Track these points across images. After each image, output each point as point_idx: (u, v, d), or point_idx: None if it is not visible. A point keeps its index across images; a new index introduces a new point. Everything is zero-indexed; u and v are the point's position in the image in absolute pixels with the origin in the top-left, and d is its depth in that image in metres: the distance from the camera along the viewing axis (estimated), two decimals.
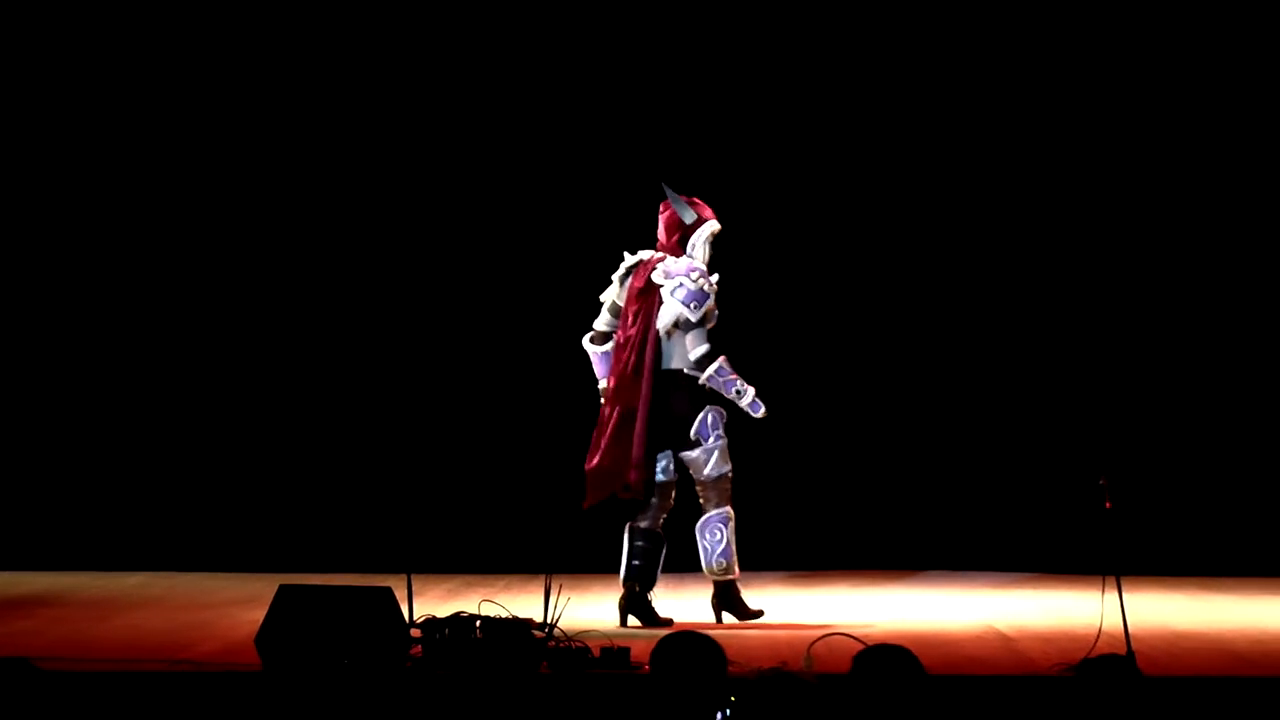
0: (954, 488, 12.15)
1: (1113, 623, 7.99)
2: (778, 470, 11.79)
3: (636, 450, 9.46)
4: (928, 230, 12.23)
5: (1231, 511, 12.03)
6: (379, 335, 12.34)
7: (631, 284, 9.66)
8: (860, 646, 5.86)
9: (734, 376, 9.54)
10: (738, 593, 9.56)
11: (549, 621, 8.01)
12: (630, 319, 9.62)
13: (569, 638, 7.89)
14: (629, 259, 9.73)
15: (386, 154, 12.32)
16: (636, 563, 9.48)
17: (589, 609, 9.49)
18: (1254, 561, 11.81)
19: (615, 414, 9.53)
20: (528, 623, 7.94)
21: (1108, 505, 8.09)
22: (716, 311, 9.60)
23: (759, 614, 9.55)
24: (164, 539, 12.19)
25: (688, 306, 9.50)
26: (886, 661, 5.94)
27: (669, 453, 9.57)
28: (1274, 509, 12.01)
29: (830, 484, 12.09)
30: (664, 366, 9.57)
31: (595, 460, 9.55)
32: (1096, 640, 8.13)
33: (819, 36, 12.21)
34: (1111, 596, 7.96)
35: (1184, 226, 12.16)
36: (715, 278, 9.57)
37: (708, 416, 9.56)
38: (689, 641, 6.79)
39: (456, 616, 7.92)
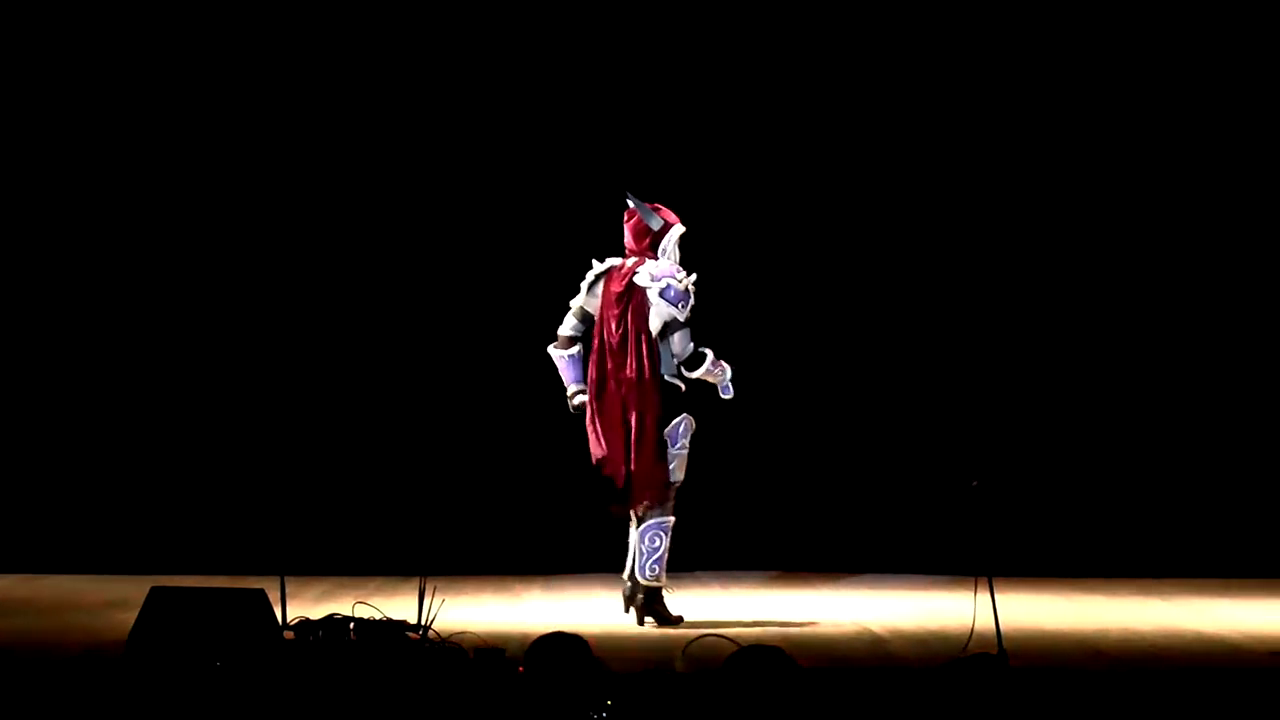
0: (829, 491, 12.18)
1: (985, 623, 8.05)
2: None
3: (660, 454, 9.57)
4: (786, 238, 12.29)
5: (1100, 514, 12.16)
6: (253, 335, 12.24)
7: (609, 289, 9.66)
8: (735, 647, 5.88)
9: (720, 363, 9.68)
10: (662, 598, 9.63)
11: (423, 623, 7.99)
12: (613, 324, 9.62)
13: (443, 639, 7.87)
14: (598, 266, 9.73)
15: (353, 155, 12.20)
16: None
17: (463, 610, 9.47)
18: (1123, 563, 11.94)
19: (633, 418, 9.54)
20: (402, 624, 7.92)
21: (980, 508, 8.16)
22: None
23: (679, 620, 9.60)
24: (29, 540, 12.04)
25: (676, 306, 9.54)
26: (760, 661, 5.97)
27: None
28: (1141, 512, 12.15)
29: (705, 487, 12.08)
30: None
31: (633, 466, 9.52)
32: (969, 640, 8.20)
33: (762, 39, 12.22)
34: (984, 597, 8.03)
35: (1053, 235, 12.26)
36: (694, 277, 9.61)
37: (681, 424, 9.65)
38: (562, 642, 6.79)
39: (330, 618, 7.90)
